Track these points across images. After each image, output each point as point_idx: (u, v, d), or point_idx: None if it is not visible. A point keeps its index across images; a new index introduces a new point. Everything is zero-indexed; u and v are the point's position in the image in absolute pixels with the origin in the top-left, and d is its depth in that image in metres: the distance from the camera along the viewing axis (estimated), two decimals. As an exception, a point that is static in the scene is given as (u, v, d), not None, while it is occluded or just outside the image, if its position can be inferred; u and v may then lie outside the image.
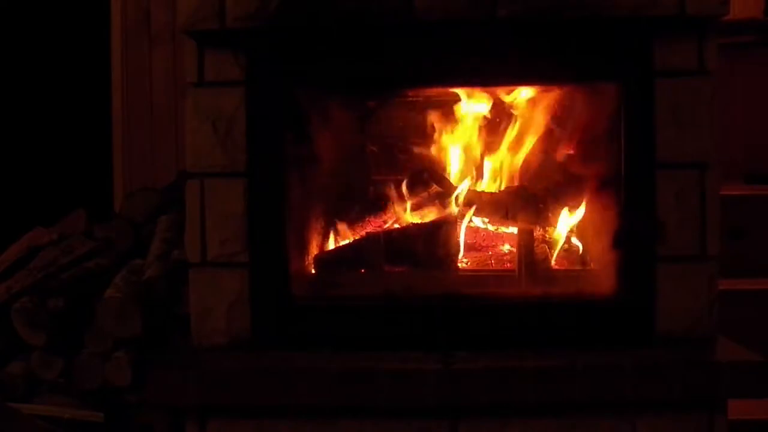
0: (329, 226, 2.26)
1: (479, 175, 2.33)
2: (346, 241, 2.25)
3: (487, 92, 2.25)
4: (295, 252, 2.06)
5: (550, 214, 2.23)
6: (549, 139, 2.27)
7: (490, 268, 2.21)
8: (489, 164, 2.33)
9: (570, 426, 1.87)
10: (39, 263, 2.43)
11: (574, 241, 2.21)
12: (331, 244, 2.25)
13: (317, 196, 2.20)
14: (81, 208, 2.76)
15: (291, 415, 1.89)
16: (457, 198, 2.25)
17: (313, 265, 2.17)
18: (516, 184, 2.30)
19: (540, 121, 2.27)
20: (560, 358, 1.87)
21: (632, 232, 1.98)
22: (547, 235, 2.23)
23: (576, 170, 2.20)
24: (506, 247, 2.24)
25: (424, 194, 2.28)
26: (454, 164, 2.33)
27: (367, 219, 2.29)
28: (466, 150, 2.32)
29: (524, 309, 2.00)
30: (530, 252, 2.10)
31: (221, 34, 1.95)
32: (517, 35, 1.97)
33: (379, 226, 2.26)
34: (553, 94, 2.23)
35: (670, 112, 1.96)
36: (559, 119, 2.25)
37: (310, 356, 1.93)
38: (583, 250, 2.19)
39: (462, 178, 2.31)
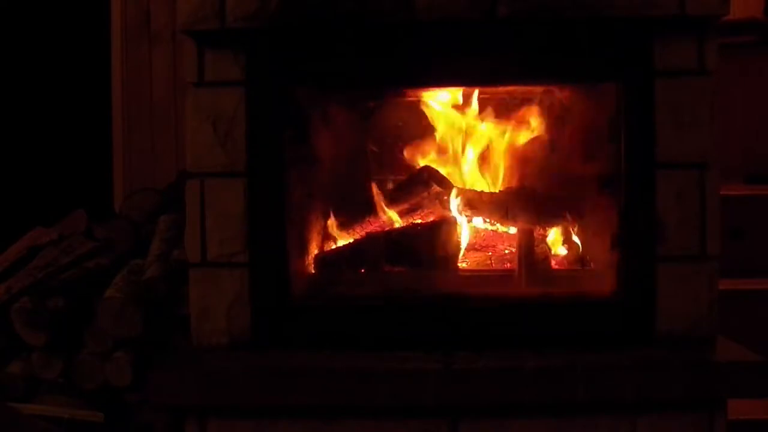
0: (329, 226, 2.26)
1: (479, 174, 2.33)
2: (347, 241, 2.25)
3: (486, 92, 2.25)
4: (295, 252, 2.06)
5: (550, 214, 2.23)
6: (549, 139, 2.27)
7: (490, 268, 2.21)
8: (489, 164, 2.33)
9: (570, 426, 1.87)
10: (39, 263, 2.42)
11: (574, 240, 2.21)
12: (331, 244, 2.25)
13: (317, 196, 2.20)
14: (81, 208, 2.76)
15: (291, 415, 1.89)
16: (456, 197, 2.25)
17: (313, 265, 2.17)
18: (516, 184, 2.30)
19: (540, 121, 2.27)
20: (560, 358, 1.87)
21: (632, 232, 1.98)
22: (547, 235, 2.23)
23: (576, 170, 2.20)
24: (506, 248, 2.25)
25: (424, 194, 2.28)
26: (453, 164, 2.33)
27: (367, 219, 2.29)
28: (466, 150, 2.32)
29: (524, 309, 2.00)
30: (530, 252, 2.10)
31: (221, 34, 1.95)
32: (517, 35, 1.97)
33: (380, 226, 2.27)
34: (553, 94, 2.23)
35: (670, 112, 1.96)
36: (559, 119, 2.25)
37: (310, 356, 1.93)
38: (583, 250, 2.19)
39: (461, 178, 2.31)
